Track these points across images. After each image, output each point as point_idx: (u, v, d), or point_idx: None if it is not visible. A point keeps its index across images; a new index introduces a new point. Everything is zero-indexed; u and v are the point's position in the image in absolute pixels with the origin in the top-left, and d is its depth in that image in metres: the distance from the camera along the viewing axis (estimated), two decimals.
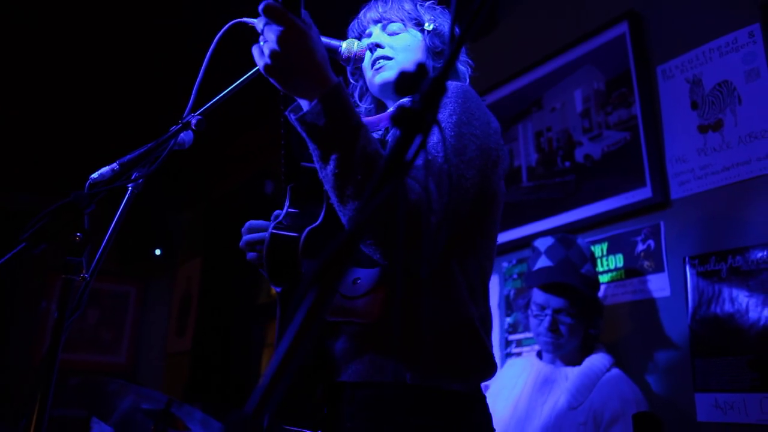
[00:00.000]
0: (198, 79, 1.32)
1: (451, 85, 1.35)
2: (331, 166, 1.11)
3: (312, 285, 0.54)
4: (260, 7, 1.10)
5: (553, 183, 2.86)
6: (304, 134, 1.14)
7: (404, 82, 0.64)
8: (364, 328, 1.27)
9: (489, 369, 1.33)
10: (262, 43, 1.14)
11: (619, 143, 2.63)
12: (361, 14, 1.59)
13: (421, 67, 0.66)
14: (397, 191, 1.06)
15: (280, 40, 1.09)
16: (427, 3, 1.59)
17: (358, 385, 1.27)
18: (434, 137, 1.23)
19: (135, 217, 5.45)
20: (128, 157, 1.28)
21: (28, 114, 5.00)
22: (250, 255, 1.46)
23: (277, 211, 1.45)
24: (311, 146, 1.14)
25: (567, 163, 2.83)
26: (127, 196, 1.33)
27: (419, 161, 1.16)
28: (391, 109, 1.50)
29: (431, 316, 1.25)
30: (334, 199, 1.15)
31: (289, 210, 1.41)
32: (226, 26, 1.29)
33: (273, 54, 1.11)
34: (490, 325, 1.38)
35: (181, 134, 1.31)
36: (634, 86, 2.60)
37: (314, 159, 1.15)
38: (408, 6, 1.54)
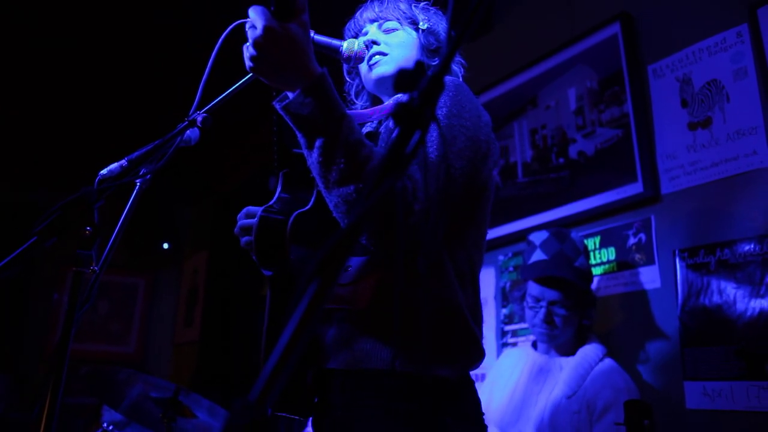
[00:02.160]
0: (203, 78, 1.32)
1: (444, 78, 1.34)
2: (315, 154, 1.12)
3: (314, 277, 0.54)
4: (249, 10, 1.13)
5: (548, 179, 2.86)
6: (290, 123, 1.16)
7: (403, 79, 0.64)
8: (354, 314, 1.27)
9: (477, 355, 1.32)
10: (247, 44, 1.16)
11: (612, 140, 2.62)
12: (357, 14, 1.59)
13: (419, 64, 0.66)
14: (352, 173, 1.07)
15: (255, 44, 1.11)
16: (422, 3, 1.58)
17: (348, 373, 1.27)
18: None
19: (143, 212, 5.45)
20: (136, 153, 1.28)
21: (39, 113, 4.99)
22: (244, 239, 1.44)
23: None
24: (298, 134, 1.16)
25: (561, 160, 2.83)
26: (135, 191, 1.33)
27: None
28: (387, 103, 1.49)
29: (420, 303, 1.24)
30: (320, 185, 1.16)
31: (281, 195, 1.41)
32: (231, 27, 1.29)
33: (251, 57, 1.14)
34: (479, 314, 1.36)
35: (188, 131, 1.31)
36: (626, 85, 2.59)
37: (302, 146, 1.16)
38: (403, 6, 1.54)
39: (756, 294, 2.05)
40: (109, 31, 3.97)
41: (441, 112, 1.26)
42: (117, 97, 4.74)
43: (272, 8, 1.11)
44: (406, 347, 1.22)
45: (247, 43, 1.15)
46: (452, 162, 1.22)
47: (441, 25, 1.55)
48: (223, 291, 5.48)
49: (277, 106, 1.17)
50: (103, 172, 1.26)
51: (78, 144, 5.37)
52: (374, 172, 1.03)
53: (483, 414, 1.36)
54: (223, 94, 1.35)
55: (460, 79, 1.59)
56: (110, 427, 2.84)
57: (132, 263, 6.24)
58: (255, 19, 1.11)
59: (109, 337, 6.26)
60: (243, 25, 1.29)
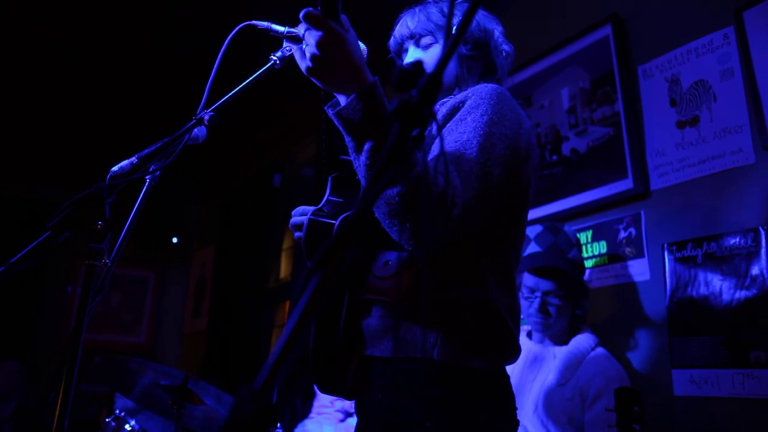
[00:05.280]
0: (210, 78, 1.31)
1: (486, 87, 1.33)
2: (363, 157, 1.12)
3: (316, 268, 0.53)
4: (301, 15, 1.10)
5: (542, 175, 2.85)
6: (340, 127, 1.15)
7: (403, 78, 0.64)
8: (393, 306, 1.27)
9: (512, 350, 1.32)
10: (304, 46, 1.15)
11: (603, 138, 2.62)
12: (395, 31, 1.54)
13: (418, 64, 0.65)
14: (408, 189, 1.07)
15: (319, 44, 1.10)
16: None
17: (388, 360, 1.27)
18: (465, 135, 1.22)
19: (153, 208, 5.46)
20: (146, 151, 1.28)
21: (52, 111, 4.99)
22: (296, 234, 1.45)
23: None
24: (347, 138, 1.15)
25: (554, 157, 2.82)
26: (145, 187, 1.32)
27: (449, 158, 1.16)
28: None
29: (457, 298, 1.25)
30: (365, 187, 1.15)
31: (330, 198, 1.42)
32: (237, 28, 1.29)
33: (313, 57, 1.12)
34: (516, 312, 1.35)
35: (195, 130, 1.30)
36: (617, 85, 2.58)
37: (349, 150, 1.16)
38: (435, 16, 1.48)
39: (741, 286, 2.05)
40: (119, 30, 3.96)
41: (482, 120, 1.24)
42: (127, 96, 4.74)
43: (318, 8, 1.10)
44: (443, 339, 1.22)
45: (303, 44, 1.14)
46: (490, 169, 1.20)
47: (474, 23, 1.49)
48: (230, 283, 5.48)
49: (330, 112, 1.16)
50: (114, 168, 1.25)
51: (90, 141, 5.37)
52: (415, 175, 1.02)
53: (516, 409, 1.36)
54: (230, 94, 1.34)
55: (507, 69, 1.57)
56: (122, 414, 2.84)
57: (142, 257, 6.25)
58: (315, 20, 1.09)
59: (120, 328, 6.27)
60: (248, 28, 1.28)
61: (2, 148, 5.48)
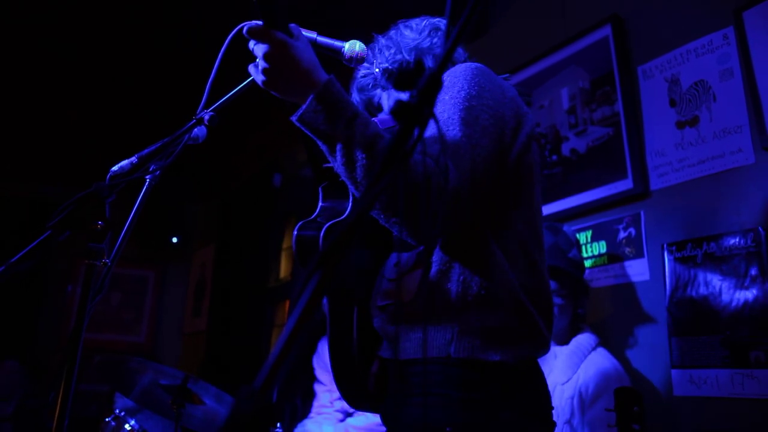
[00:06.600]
0: (210, 78, 1.31)
1: (461, 66, 1.29)
2: (338, 157, 1.10)
3: (315, 269, 0.53)
4: (244, 31, 1.12)
5: (542, 175, 2.85)
6: (308, 133, 1.14)
7: (403, 78, 0.64)
8: (405, 306, 1.24)
9: (536, 339, 1.24)
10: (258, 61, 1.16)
11: (603, 138, 2.62)
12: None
13: (418, 63, 0.65)
14: (397, 180, 1.06)
15: (267, 57, 1.11)
16: (368, 46, 1.50)
17: (407, 363, 1.25)
18: (445, 114, 1.19)
19: (153, 207, 5.46)
20: (146, 151, 1.28)
21: (53, 111, 4.99)
22: None
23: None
24: (319, 143, 1.13)
25: (554, 157, 2.82)
26: (145, 187, 1.32)
27: (434, 139, 1.13)
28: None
29: (468, 287, 1.19)
30: (351, 188, 1.14)
31: (323, 206, 1.43)
32: (237, 28, 1.29)
33: (264, 71, 1.13)
34: (541, 295, 1.27)
35: (195, 129, 1.30)
36: (617, 85, 2.58)
37: (326, 154, 1.14)
38: (365, 79, 1.48)
39: (740, 286, 2.05)
40: (119, 30, 3.96)
41: (460, 95, 1.21)
42: (127, 96, 4.73)
43: (262, 21, 1.10)
44: (458, 334, 1.18)
45: (256, 61, 1.15)
46: (477, 141, 1.16)
47: (388, 45, 1.43)
48: (230, 283, 5.48)
49: (294, 119, 1.15)
50: (114, 168, 1.25)
51: (90, 141, 5.37)
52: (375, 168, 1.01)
53: (551, 408, 1.28)
54: (230, 94, 1.34)
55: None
56: (122, 413, 2.84)
57: (142, 256, 6.25)
58: (258, 34, 1.10)
59: (120, 327, 6.27)
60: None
61: (2, 148, 5.48)
